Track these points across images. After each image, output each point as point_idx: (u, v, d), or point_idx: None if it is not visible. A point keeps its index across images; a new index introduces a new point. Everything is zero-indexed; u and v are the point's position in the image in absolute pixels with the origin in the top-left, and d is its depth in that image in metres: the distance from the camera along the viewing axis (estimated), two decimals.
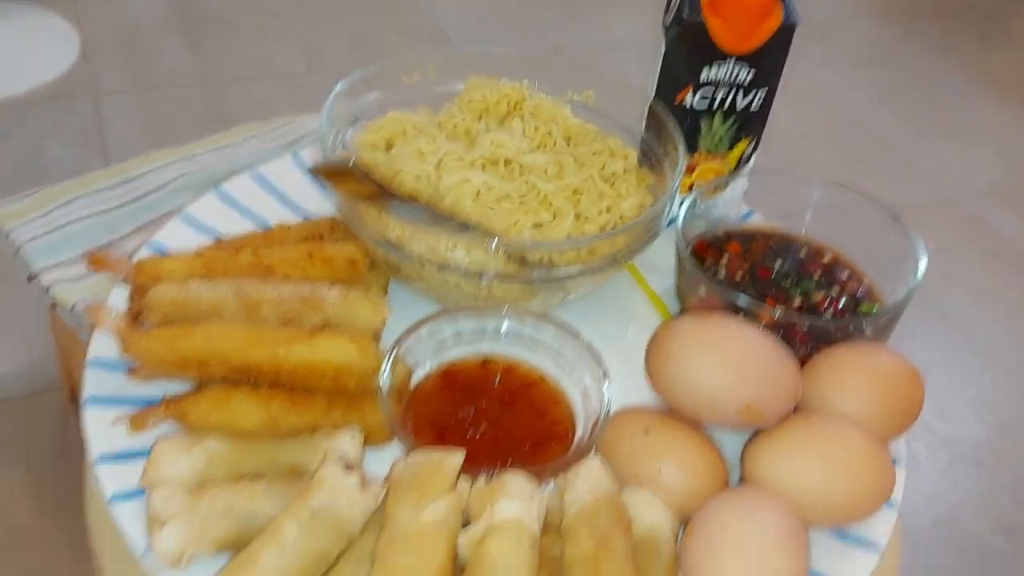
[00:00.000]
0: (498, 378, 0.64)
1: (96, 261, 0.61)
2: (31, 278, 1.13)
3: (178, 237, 0.71)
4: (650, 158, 0.74)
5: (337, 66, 2.18)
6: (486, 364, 0.65)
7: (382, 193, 0.56)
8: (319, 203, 0.77)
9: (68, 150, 1.92)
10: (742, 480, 0.58)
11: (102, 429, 0.57)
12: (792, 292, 0.71)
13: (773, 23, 0.68)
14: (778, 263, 0.74)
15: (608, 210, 0.68)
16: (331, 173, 0.57)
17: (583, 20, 2.52)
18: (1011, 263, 1.96)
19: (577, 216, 0.68)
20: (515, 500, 0.50)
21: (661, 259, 0.78)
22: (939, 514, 1.45)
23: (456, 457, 0.53)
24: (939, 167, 2.21)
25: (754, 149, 0.78)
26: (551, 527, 0.53)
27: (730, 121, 0.74)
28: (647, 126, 0.75)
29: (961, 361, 1.72)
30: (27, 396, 1.42)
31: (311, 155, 0.81)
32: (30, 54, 2.19)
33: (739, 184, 0.77)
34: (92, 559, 0.56)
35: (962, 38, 2.75)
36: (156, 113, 2.02)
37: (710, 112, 0.73)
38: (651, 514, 0.54)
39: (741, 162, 0.78)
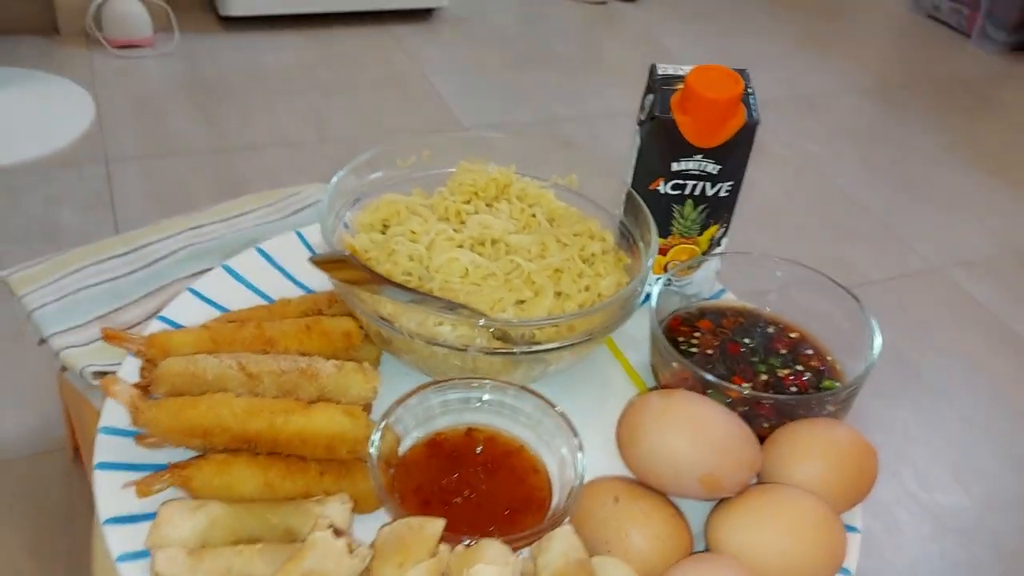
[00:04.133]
0: (481, 447, 0.69)
1: (111, 336, 0.66)
2: (42, 342, 1.18)
3: (186, 309, 0.77)
4: (627, 239, 0.80)
5: (344, 135, 2.27)
6: (470, 433, 0.70)
7: (376, 279, 0.61)
8: (319, 278, 0.83)
9: (78, 214, 1.99)
10: (706, 547, 0.62)
11: (111, 493, 0.61)
12: (759, 368, 0.76)
13: (737, 122, 0.74)
14: (747, 340, 0.79)
15: (587, 288, 0.74)
16: (330, 263, 0.63)
17: (581, 91, 2.61)
18: (993, 334, 2.00)
19: (558, 294, 0.73)
20: (491, 564, 0.54)
21: (638, 332, 0.83)
22: None
23: (437, 524, 0.57)
24: (925, 238, 2.27)
25: (724, 233, 0.84)
26: None
27: (700, 208, 0.80)
28: (625, 210, 0.80)
29: (944, 429, 1.75)
30: (32, 456, 1.46)
31: (313, 234, 0.87)
32: (46, 120, 2.27)
33: (711, 265, 0.83)
34: None
35: (950, 114, 2.85)
36: (166, 180, 2.10)
37: (681, 199, 0.79)
38: None
39: (712, 245, 0.83)
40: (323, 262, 0.62)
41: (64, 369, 1.15)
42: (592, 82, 2.66)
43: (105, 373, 1.11)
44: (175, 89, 2.39)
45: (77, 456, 1.43)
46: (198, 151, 2.19)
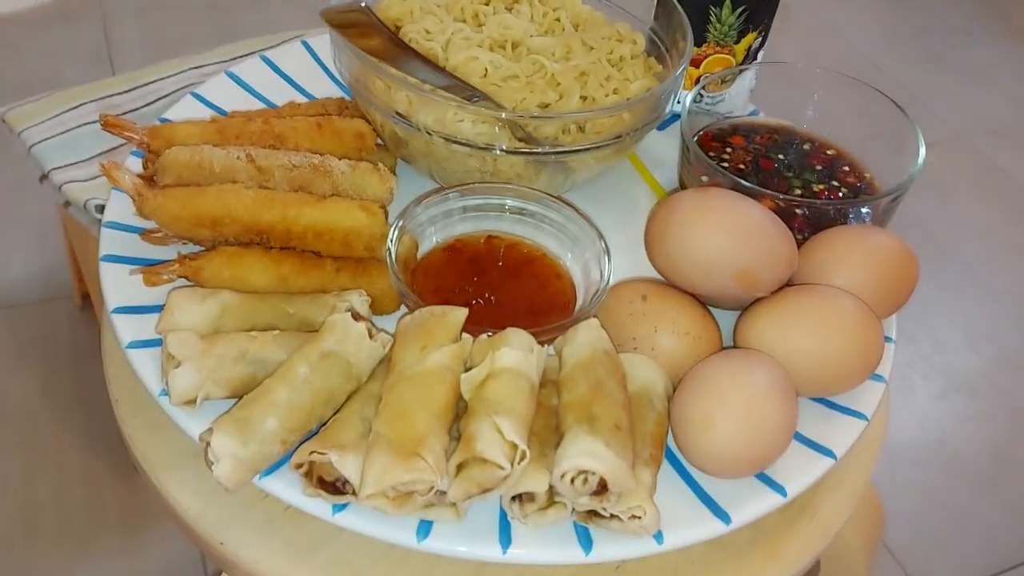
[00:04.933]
0: (502, 253, 0.66)
1: (111, 124, 0.62)
2: (43, 177, 1.15)
3: (189, 113, 0.72)
4: (658, 47, 0.75)
5: None
6: (490, 240, 0.67)
7: (394, 45, 0.56)
8: (328, 88, 0.79)
9: (77, 69, 1.92)
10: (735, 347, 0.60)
11: (118, 283, 0.59)
12: (794, 183, 0.72)
13: None
14: (781, 156, 0.75)
15: (615, 92, 0.69)
16: (343, 21, 0.57)
17: None
18: (1014, 201, 1.96)
19: (583, 98, 0.68)
20: (515, 350, 0.52)
21: (664, 151, 0.79)
22: (931, 437, 1.48)
23: (460, 312, 0.55)
24: (949, 107, 2.20)
25: (762, 44, 0.78)
26: (549, 382, 0.55)
27: (739, 11, 0.74)
28: (656, 15, 0.75)
29: (960, 295, 1.73)
30: (40, 302, 1.44)
31: (319, 44, 0.82)
32: None
33: (746, 79, 0.78)
34: (112, 406, 0.59)
35: None
36: (165, 34, 2.02)
37: (719, 0, 0.73)
38: (645, 372, 0.56)
39: (748, 56, 0.78)
40: (336, 19, 0.57)
41: (68, 204, 1.12)
42: None
43: None
44: None
45: (84, 302, 1.42)
46: (197, 6, 2.10)
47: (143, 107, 1.22)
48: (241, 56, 1.33)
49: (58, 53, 1.95)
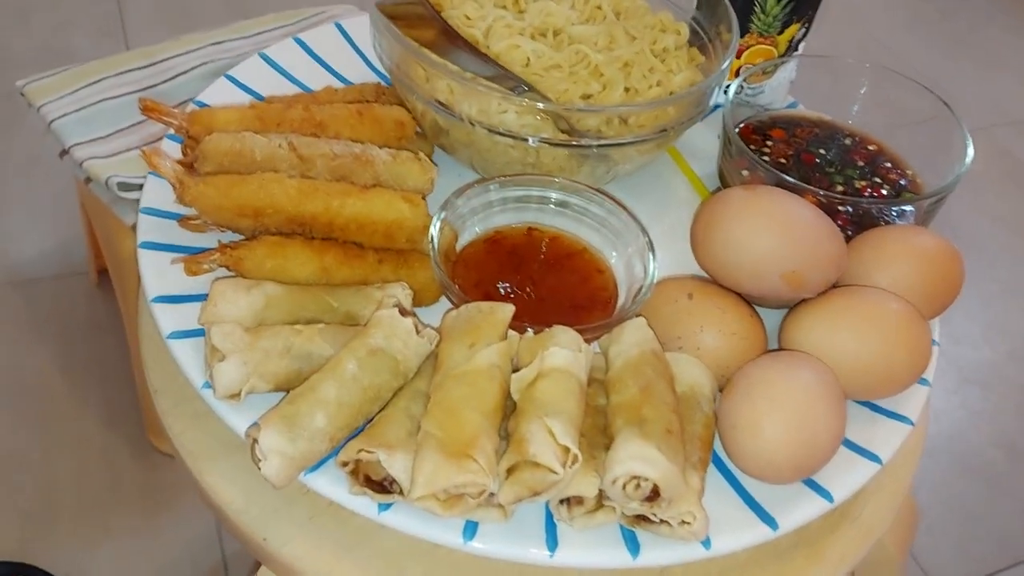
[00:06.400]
0: (544, 246, 0.65)
1: (150, 109, 0.61)
2: (63, 153, 1.13)
3: (222, 97, 0.71)
4: (701, 38, 0.74)
5: None
6: (531, 232, 0.66)
7: (447, 36, 0.55)
8: (362, 72, 0.77)
9: (89, 40, 1.90)
10: (780, 349, 0.59)
11: (157, 272, 0.58)
12: (835, 179, 0.71)
13: None
14: (823, 150, 0.74)
15: (658, 84, 0.68)
16: (395, 13, 0.56)
17: None
18: None
19: (627, 89, 0.67)
20: (564, 349, 0.51)
21: (704, 144, 0.78)
22: (943, 428, 1.47)
23: (507, 308, 0.54)
24: (971, 96, 2.17)
25: (804, 35, 0.77)
26: (595, 381, 0.55)
27: (784, 1, 0.73)
28: (699, 4, 0.74)
29: (976, 288, 1.72)
30: (56, 277, 1.43)
31: (354, 27, 0.81)
32: None
33: (787, 70, 0.77)
34: (152, 396, 0.58)
35: None
36: (179, 5, 1.99)
37: None
38: (692, 373, 0.55)
39: (791, 47, 0.77)
40: (390, 10, 0.56)
41: (88, 180, 1.11)
42: None
43: (131, 185, 1.07)
44: None
45: (100, 278, 1.41)
46: None
47: (162, 83, 1.21)
48: (260, 32, 1.31)
49: (69, 23, 1.93)
